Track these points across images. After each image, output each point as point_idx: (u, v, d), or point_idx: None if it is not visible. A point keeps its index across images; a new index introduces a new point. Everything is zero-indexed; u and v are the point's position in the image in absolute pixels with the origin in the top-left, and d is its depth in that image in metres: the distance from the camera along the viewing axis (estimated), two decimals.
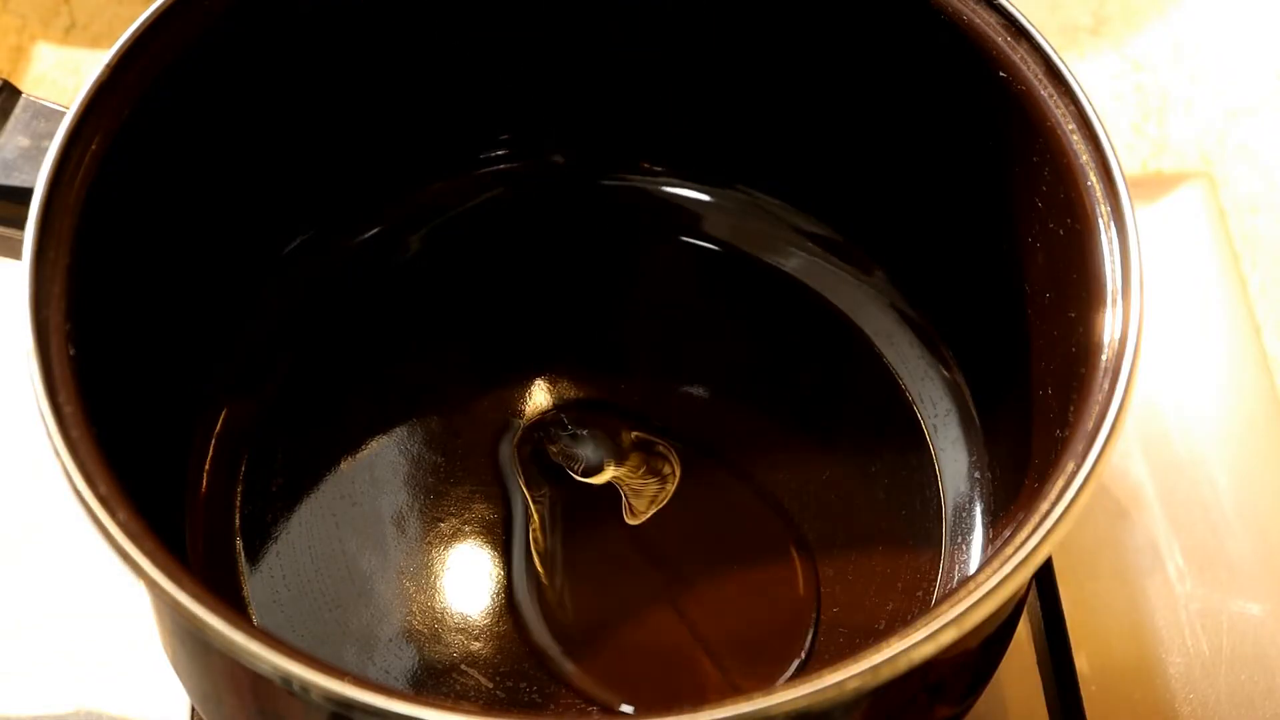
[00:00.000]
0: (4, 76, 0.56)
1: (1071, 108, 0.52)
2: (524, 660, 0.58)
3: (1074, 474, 0.47)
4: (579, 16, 0.63)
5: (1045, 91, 0.53)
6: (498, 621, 0.59)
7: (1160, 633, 0.64)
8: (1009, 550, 0.45)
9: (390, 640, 0.58)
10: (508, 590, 0.59)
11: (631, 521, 0.61)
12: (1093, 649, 0.64)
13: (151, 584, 0.44)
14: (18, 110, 0.55)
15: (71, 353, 0.48)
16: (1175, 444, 0.69)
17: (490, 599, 0.59)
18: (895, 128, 0.61)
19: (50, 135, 0.51)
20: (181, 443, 0.60)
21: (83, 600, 0.64)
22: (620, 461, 0.62)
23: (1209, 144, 0.80)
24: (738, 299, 0.67)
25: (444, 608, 0.59)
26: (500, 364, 0.65)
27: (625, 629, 0.59)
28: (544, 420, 0.63)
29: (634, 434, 0.62)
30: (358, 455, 0.62)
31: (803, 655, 0.58)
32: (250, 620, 0.58)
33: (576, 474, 0.61)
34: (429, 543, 0.60)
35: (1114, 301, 0.50)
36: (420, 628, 0.58)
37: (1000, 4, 0.54)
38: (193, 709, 0.61)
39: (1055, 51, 0.53)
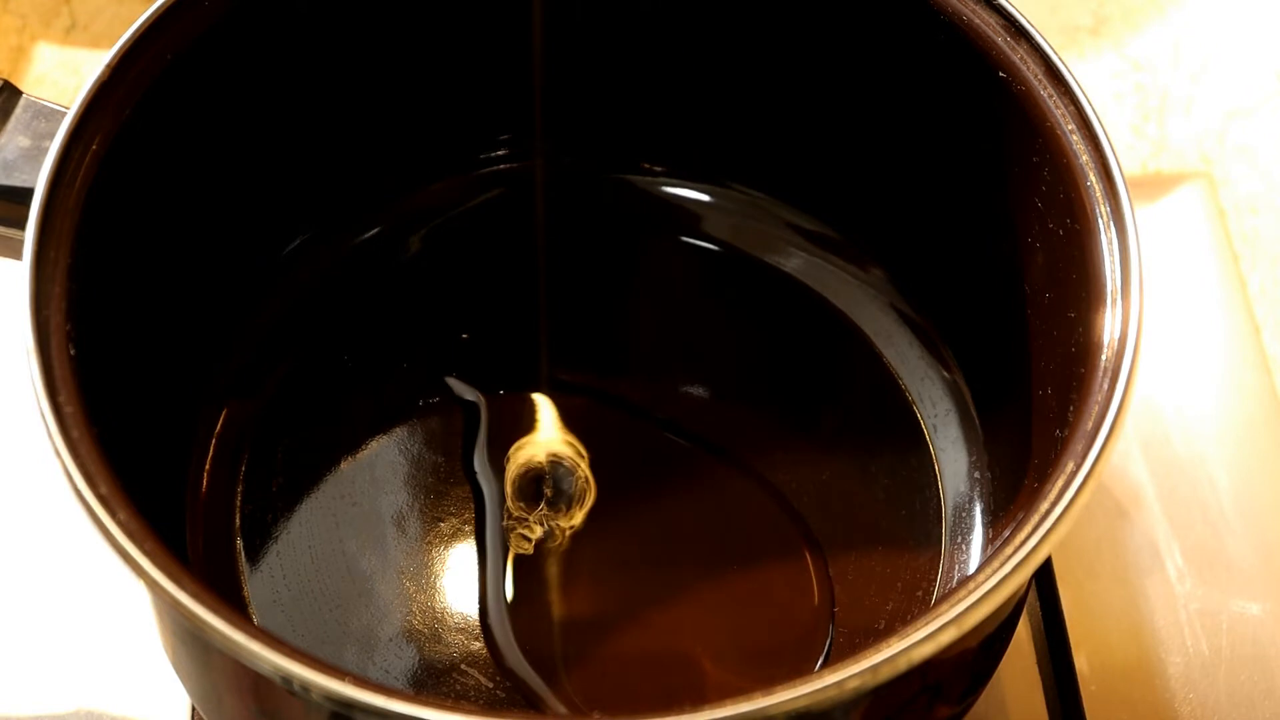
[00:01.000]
0: (4, 76, 0.56)
1: (1071, 108, 0.52)
2: (524, 661, 0.58)
3: (1074, 474, 0.47)
4: (580, 17, 0.63)
5: (1045, 92, 0.53)
6: (501, 616, 0.59)
7: (1160, 633, 0.64)
8: (1008, 550, 0.45)
9: (390, 640, 0.58)
10: (510, 588, 0.59)
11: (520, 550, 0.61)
12: (1093, 649, 0.64)
13: (152, 584, 0.44)
14: (18, 110, 0.55)
15: (72, 353, 0.48)
16: (1175, 444, 0.69)
17: (490, 596, 0.59)
18: (895, 127, 0.61)
19: (51, 135, 0.51)
20: (182, 443, 0.60)
21: (83, 599, 0.64)
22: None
23: (1209, 144, 0.80)
24: (737, 299, 0.67)
25: (444, 607, 0.59)
26: (501, 364, 0.65)
27: (626, 631, 0.59)
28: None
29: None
30: (358, 455, 0.62)
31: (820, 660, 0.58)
32: (250, 620, 0.58)
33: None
34: (429, 543, 0.60)
35: (1114, 301, 0.50)
36: (420, 627, 0.58)
37: (1000, 4, 0.54)
38: (193, 709, 0.61)
39: (1055, 52, 0.53)
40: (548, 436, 0.62)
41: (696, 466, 0.62)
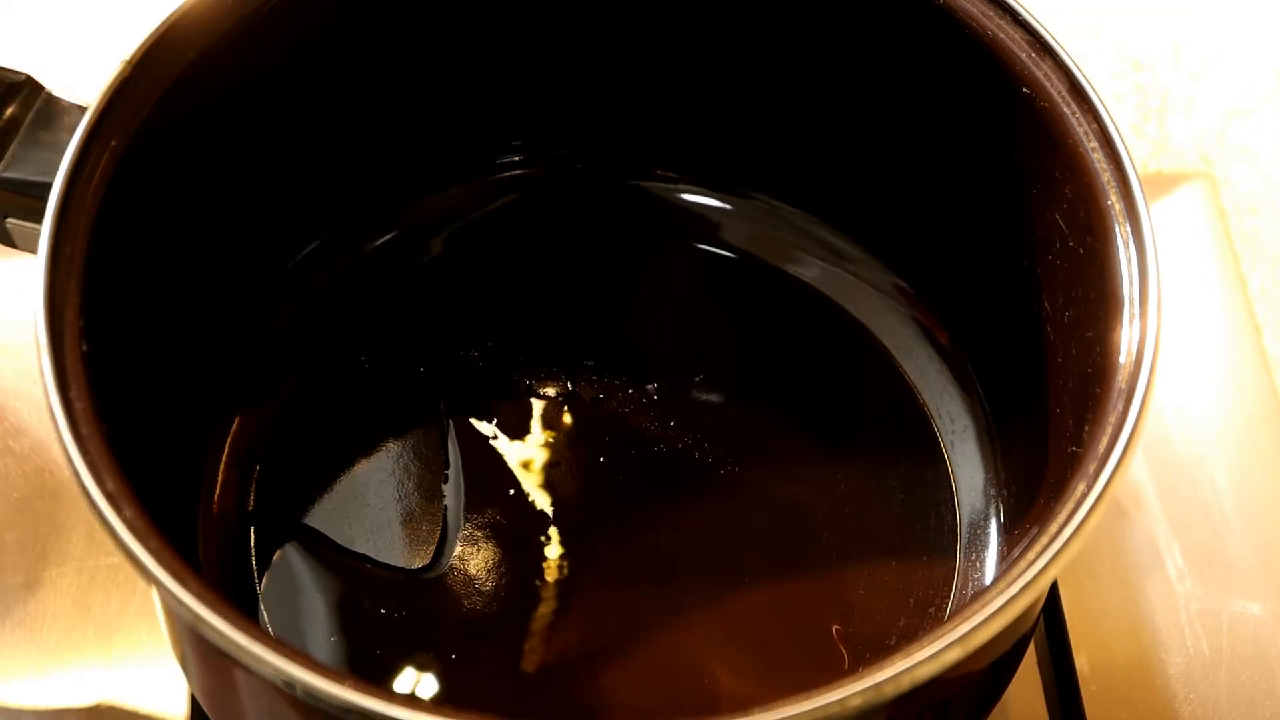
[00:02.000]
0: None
1: (1094, 125, 0.52)
2: (539, 670, 0.58)
3: (1084, 495, 0.47)
4: (596, 22, 0.63)
5: (1068, 109, 0.53)
6: (513, 624, 0.59)
7: (1160, 633, 0.64)
8: (1015, 572, 0.45)
9: (404, 644, 0.58)
10: (523, 596, 0.59)
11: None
12: (1093, 649, 0.64)
13: (156, 583, 0.44)
14: (39, 106, 0.55)
15: (84, 349, 0.48)
16: (1175, 444, 0.69)
17: (504, 604, 0.59)
18: (916, 140, 0.61)
19: (71, 131, 0.51)
20: (195, 444, 0.60)
21: (89, 595, 0.64)
22: None
23: (1209, 144, 0.80)
24: (754, 308, 0.67)
25: (459, 611, 0.59)
26: (515, 369, 0.65)
27: (636, 643, 0.59)
28: None
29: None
30: (372, 457, 0.62)
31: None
32: (259, 621, 0.58)
33: None
34: (443, 548, 0.60)
35: (1130, 322, 0.49)
36: (434, 632, 0.58)
37: (1026, 20, 0.54)
38: (192, 700, 0.61)
39: (1079, 68, 0.53)
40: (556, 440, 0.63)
41: (710, 476, 0.62)
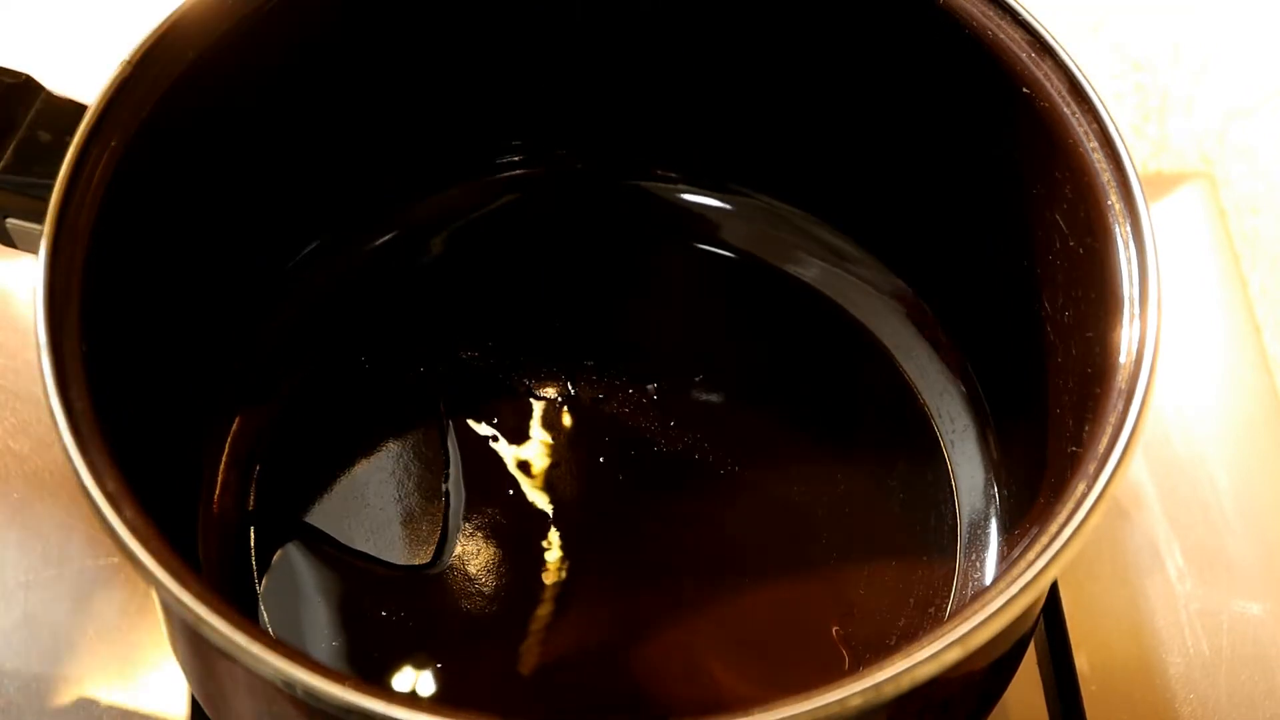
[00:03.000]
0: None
1: (1094, 125, 0.52)
2: (539, 670, 0.58)
3: (1084, 495, 0.47)
4: (596, 22, 0.63)
5: (1068, 109, 0.53)
6: (513, 624, 0.59)
7: (1160, 633, 0.64)
8: (1015, 572, 0.45)
9: (405, 644, 0.58)
10: (523, 596, 0.59)
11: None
12: (1093, 649, 0.64)
13: (155, 582, 0.44)
14: (39, 105, 0.55)
15: (84, 349, 0.48)
16: (1175, 444, 0.69)
17: (504, 604, 0.59)
18: (916, 140, 0.61)
19: (71, 131, 0.51)
20: (195, 444, 0.60)
21: (89, 595, 0.64)
22: None
23: (1209, 144, 0.80)
24: (754, 308, 0.67)
25: (458, 611, 0.59)
26: (515, 369, 0.65)
27: (636, 642, 0.59)
28: None
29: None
30: (372, 457, 0.62)
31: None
32: (259, 621, 0.58)
33: None
34: (443, 547, 0.60)
35: (1130, 322, 0.49)
36: (434, 632, 0.58)
37: (1026, 20, 0.54)
38: (191, 700, 0.61)
39: (1079, 68, 0.53)
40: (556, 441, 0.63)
41: (710, 476, 0.62)
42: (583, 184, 0.68)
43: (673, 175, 0.68)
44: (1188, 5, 0.84)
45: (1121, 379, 0.48)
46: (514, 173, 0.68)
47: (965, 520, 0.61)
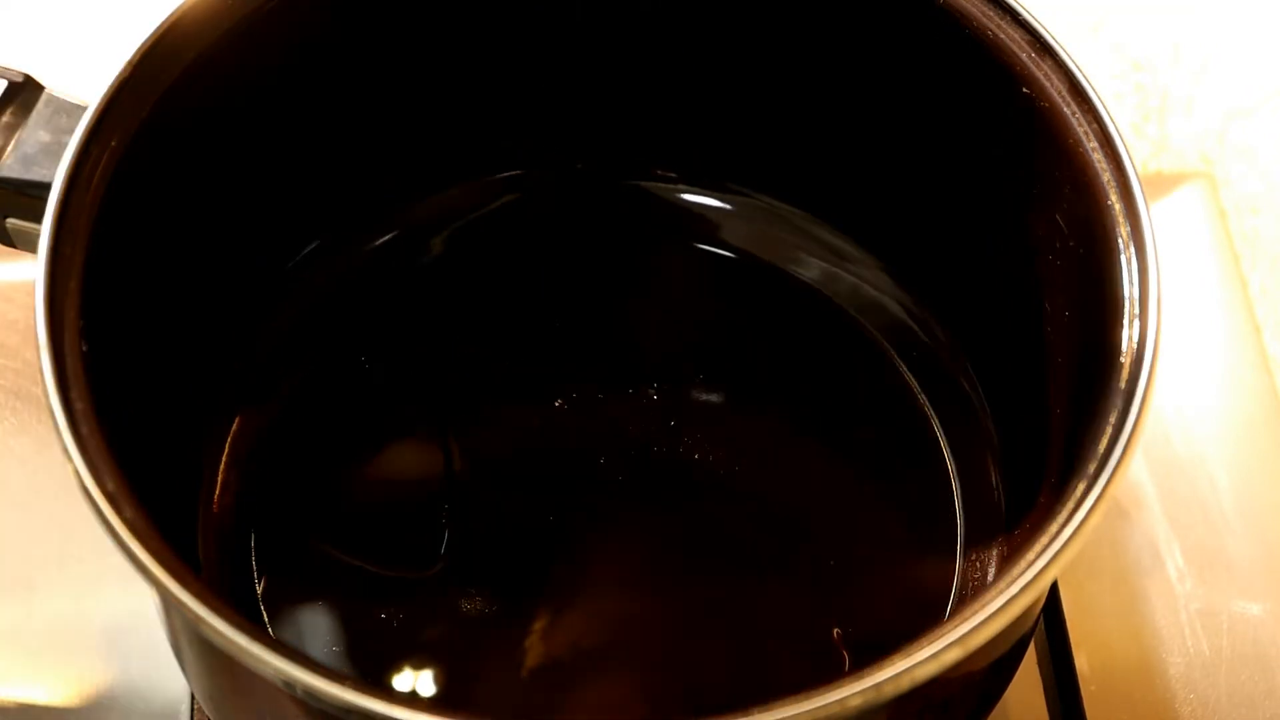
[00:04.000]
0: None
1: (1094, 125, 0.52)
2: (540, 670, 0.58)
3: (1084, 495, 0.46)
4: (596, 22, 0.63)
5: (1068, 109, 0.53)
6: (513, 625, 0.59)
7: (1160, 633, 0.64)
8: (1015, 572, 0.45)
9: (406, 646, 0.58)
10: (523, 596, 0.59)
11: None
12: (1093, 649, 0.64)
13: (156, 583, 0.44)
14: (40, 105, 0.55)
15: (84, 349, 0.48)
16: (1175, 444, 0.69)
17: (504, 604, 0.59)
18: (916, 140, 0.61)
19: (71, 131, 0.51)
20: (195, 444, 0.60)
21: (89, 595, 0.64)
22: None
23: (1209, 144, 0.80)
24: (754, 308, 0.67)
25: (458, 611, 0.59)
26: (515, 369, 0.65)
27: (635, 646, 0.59)
28: None
29: None
30: (373, 457, 0.63)
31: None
32: (259, 621, 0.58)
33: None
34: (445, 548, 0.60)
35: (1130, 323, 0.49)
36: (434, 632, 0.58)
37: (1026, 20, 0.54)
38: (193, 700, 0.61)
39: (1079, 68, 0.53)
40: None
41: (710, 476, 0.62)
42: (583, 184, 0.68)
43: (673, 175, 0.68)
44: (1188, 5, 0.84)
45: (1121, 379, 0.48)
46: (514, 173, 0.68)
47: (965, 520, 0.61)
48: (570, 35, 0.63)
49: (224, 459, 0.61)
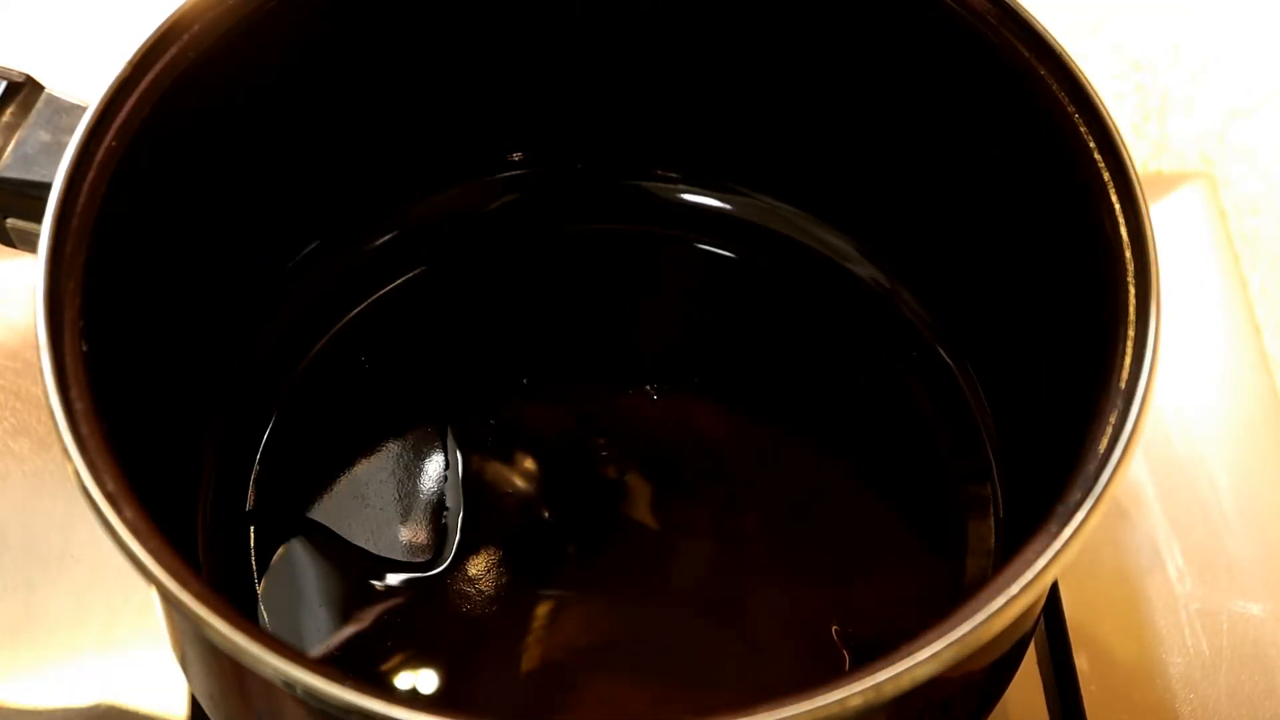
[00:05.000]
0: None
1: (1094, 125, 0.52)
2: (540, 670, 0.58)
3: (1084, 495, 0.47)
4: (596, 23, 0.63)
5: (1068, 109, 0.53)
6: (513, 624, 0.59)
7: (1160, 633, 0.64)
8: (1015, 571, 0.45)
9: (402, 643, 0.58)
10: (523, 596, 0.59)
11: None
12: (1093, 649, 0.64)
13: (156, 583, 0.44)
14: (40, 105, 0.55)
15: (84, 349, 0.48)
16: (1175, 444, 0.69)
17: (504, 604, 0.59)
18: (916, 140, 0.61)
19: (71, 131, 0.51)
20: (194, 444, 0.60)
21: (89, 595, 0.64)
22: None
23: (1209, 144, 0.80)
24: (755, 307, 0.67)
25: (459, 611, 0.59)
26: (515, 369, 0.65)
27: (635, 647, 0.59)
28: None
29: None
30: (372, 457, 0.62)
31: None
32: (259, 621, 0.58)
33: None
34: (445, 547, 0.60)
35: (1130, 323, 0.49)
36: (434, 632, 0.58)
37: (1026, 20, 0.54)
38: (192, 700, 0.61)
39: (1079, 68, 0.53)
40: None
41: (710, 476, 0.62)
42: (583, 184, 0.68)
43: (673, 175, 0.68)
44: (1188, 5, 0.84)
45: (1121, 379, 0.48)
46: (514, 173, 0.68)
47: (965, 520, 0.61)
48: (570, 35, 0.63)
49: (224, 459, 0.61)
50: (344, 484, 0.61)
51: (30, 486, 0.66)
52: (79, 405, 0.47)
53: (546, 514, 0.61)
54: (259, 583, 0.59)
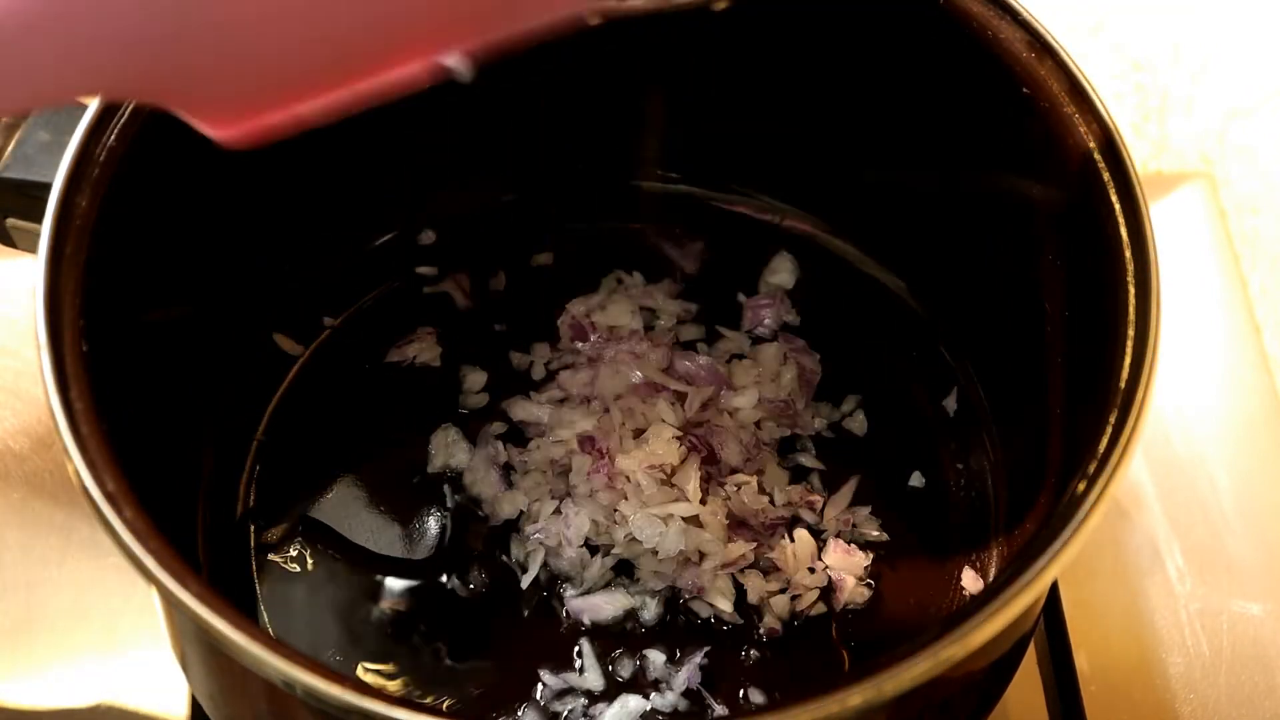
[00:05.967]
0: None
1: (1094, 125, 0.52)
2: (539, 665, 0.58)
3: (1084, 495, 0.47)
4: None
5: (1068, 109, 0.53)
6: (513, 624, 0.59)
7: (1160, 633, 0.64)
8: (1015, 571, 0.46)
9: (401, 640, 0.58)
10: (522, 596, 0.59)
11: None
12: (1093, 649, 0.64)
13: (156, 583, 0.44)
14: None
15: (84, 348, 0.48)
16: (1175, 444, 0.69)
17: (504, 604, 0.59)
18: (916, 140, 0.61)
19: (71, 131, 0.51)
20: (195, 442, 0.60)
21: (89, 595, 0.64)
22: None
23: (1209, 144, 0.80)
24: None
25: (459, 611, 0.59)
26: (515, 370, 0.65)
27: (636, 641, 0.59)
28: None
29: None
30: (372, 457, 0.62)
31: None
32: (259, 620, 0.58)
33: None
34: (443, 546, 0.60)
35: (1130, 323, 0.49)
36: (434, 631, 0.58)
37: (1026, 20, 0.54)
38: (192, 700, 0.61)
39: (1079, 68, 0.53)
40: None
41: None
42: (583, 184, 0.69)
43: (673, 175, 0.69)
44: (1188, 5, 0.84)
45: (1121, 379, 0.48)
46: (514, 173, 0.68)
47: (965, 520, 0.61)
48: (571, 39, 0.63)
49: (224, 459, 0.61)
50: (343, 484, 0.62)
51: (30, 486, 0.66)
52: (79, 405, 0.47)
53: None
54: (259, 583, 0.59)
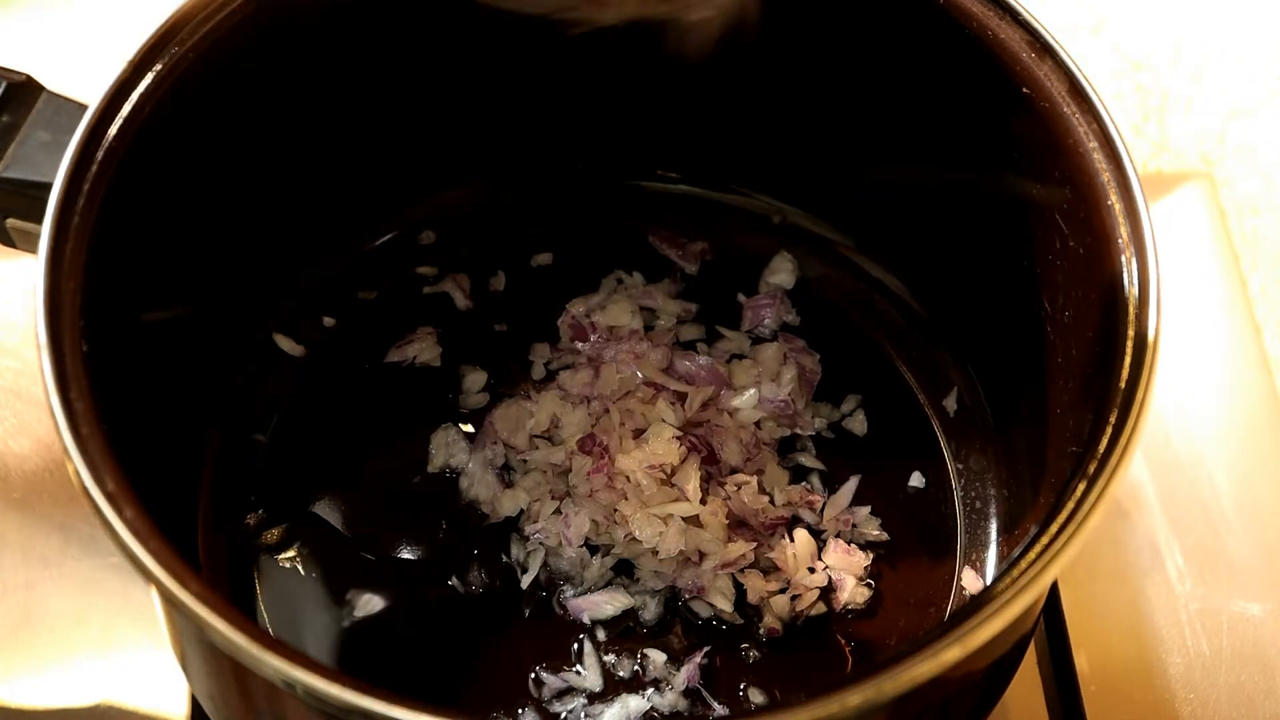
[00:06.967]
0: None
1: (1094, 125, 0.52)
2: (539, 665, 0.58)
3: (1084, 495, 0.47)
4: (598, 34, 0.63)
5: (1068, 109, 0.53)
6: (513, 624, 0.59)
7: (1160, 633, 0.64)
8: (1015, 572, 0.46)
9: (400, 640, 0.58)
10: (522, 596, 0.59)
11: None
12: (1093, 649, 0.64)
13: (156, 583, 0.44)
14: (40, 105, 0.55)
15: (84, 349, 0.48)
16: (1175, 444, 0.69)
17: (504, 604, 0.59)
18: (916, 140, 0.61)
19: (71, 131, 0.51)
20: (195, 442, 0.60)
21: (89, 595, 0.64)
22: None
23: (1209, 144, 0.80)
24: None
25: (459, 611, 0.59)
26: (516, 370, 0.65)
27: (636, 640, 0.59)
28: None
29: None
30: (373, 456, 0.62)
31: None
32: (259, 620, 0.58)
33: None
34: (441, 544, 0.60)
35: (1130, 323, 0.49)
36: (434, 631, 0.58)
37: (1026, 20, 0.54)
38: (192, 700, 0.61)
39: (1079, 68, 0.53)
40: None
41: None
42: (583, 184, 0.69)
43: (673, 175, 0.69)
44: (1188, 5, 0.84)
45: (1121, 379, 0.48)
46: (514, 172, 0.68)
47: (965, 520, 0.61)
48: (572, 41, 0.63)
49: (224, 458, 0.61)
50: (343, 483, 0.62)
51: (30, 487, 0.66)
52: (79, 405, 0.47)
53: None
54: (259, 583, 0.59)
